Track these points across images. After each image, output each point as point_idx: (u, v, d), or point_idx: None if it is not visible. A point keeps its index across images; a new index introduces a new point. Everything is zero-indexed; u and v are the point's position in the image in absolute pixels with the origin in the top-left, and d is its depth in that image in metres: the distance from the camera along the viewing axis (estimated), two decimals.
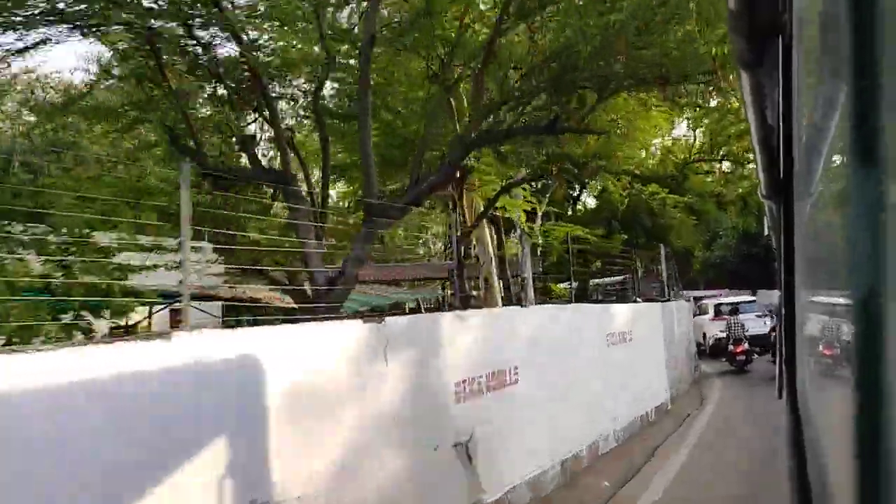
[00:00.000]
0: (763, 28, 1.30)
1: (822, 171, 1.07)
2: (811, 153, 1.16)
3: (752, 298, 21.81)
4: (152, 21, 8.27)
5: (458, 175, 14.16)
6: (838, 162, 0.82)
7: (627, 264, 21.17)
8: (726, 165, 31.22)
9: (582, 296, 24.10)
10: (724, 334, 17.14)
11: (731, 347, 16.35)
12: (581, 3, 10.04)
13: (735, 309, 17.54)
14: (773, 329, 15.90)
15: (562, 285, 27.79)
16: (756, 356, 16.60)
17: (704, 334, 19.84)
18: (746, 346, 16.17)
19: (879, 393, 0.53)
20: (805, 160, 1.31)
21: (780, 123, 1.63)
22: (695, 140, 30.10)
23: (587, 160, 14.97)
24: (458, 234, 14.11)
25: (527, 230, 16.93)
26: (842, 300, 0.77)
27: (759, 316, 18.77)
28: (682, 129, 32.91)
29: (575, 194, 29.52)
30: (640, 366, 10.89)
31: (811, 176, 1.22)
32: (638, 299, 15.70)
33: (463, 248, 14.61)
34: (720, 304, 20.42)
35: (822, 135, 0.97)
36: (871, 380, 0.54)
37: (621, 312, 10.66)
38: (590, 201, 32.97)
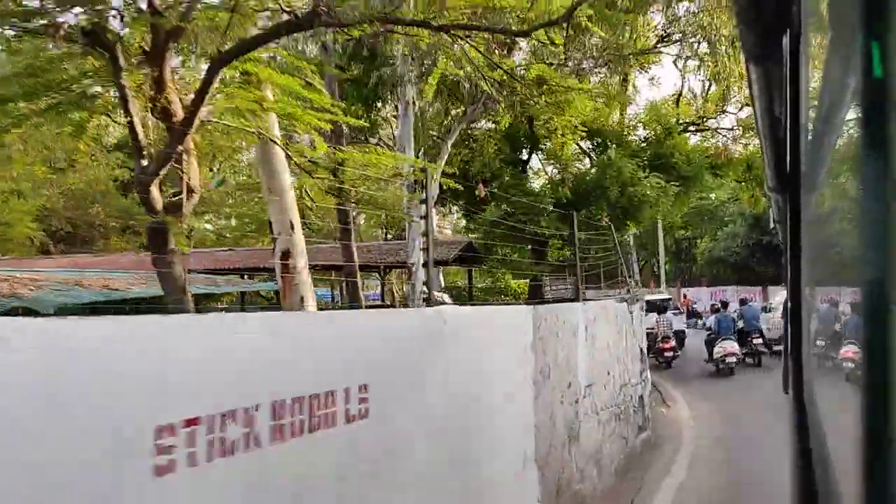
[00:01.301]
0: (771, 21, 1.30)
1: (829, 164, 1.06)
2: (819, 147, 1.16)
3: (669, 297, 23.36)
4: None
5: None
6: (846, 155, 0.81)
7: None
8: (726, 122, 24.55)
9: (536, 294, 20.09)
10: (650, 331, 18.00)
11: (659, 344, 16.84)
12: None
13: (663, 308, 18.23)
14: (707, 328, 16.53)
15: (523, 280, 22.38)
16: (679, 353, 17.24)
17: None
18: (673, 342, 16.61)
19: (888, 388, 0.53)
20: (812, 154, 1.31)
21: (788, 117, 1.63)
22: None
23: None
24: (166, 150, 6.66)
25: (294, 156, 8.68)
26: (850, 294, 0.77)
27: (675, 314, 19.70)
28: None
29: (524, 158, 21.63)
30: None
31: (819, 169, 1.22)
32: (444, 299, 10.60)
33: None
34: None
35: (830, 128, 0.97)
36: (880, 375, 0.54)
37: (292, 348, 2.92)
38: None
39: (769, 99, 1.65)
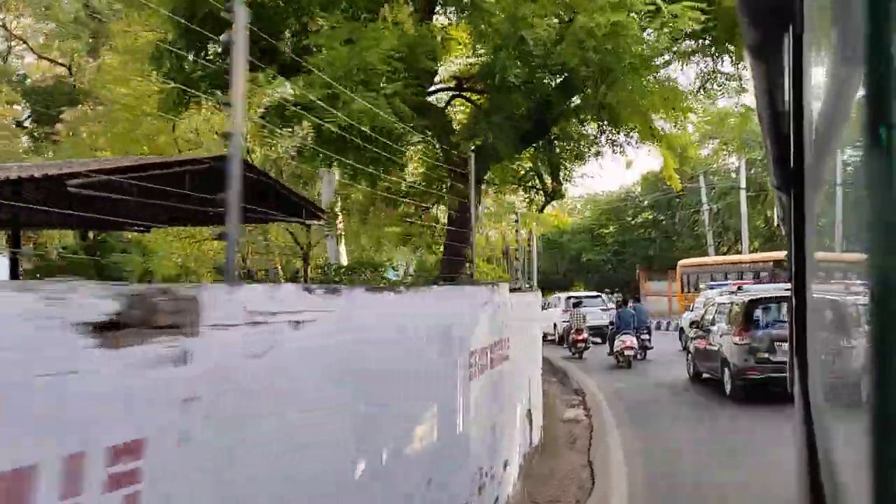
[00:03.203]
0: (774, 16, 1.29)
1: (834, 161, 1.06)
2: (823, 143, 1.15)
3: (597, 294, 25.50)
4: None
5: None
6: (851, 152, 0.81)
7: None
8: None
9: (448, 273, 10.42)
10: (567, 324, 19.97)
11: (572, 336, 18.59)
12: None
13: (578, 302, 20.49)
14: (611, 323, 18.11)
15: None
16: (593, 344, 18.92)
17: (555, 325, 22.94)
18: (585, 334, 18.39)
19: (894, 386, 0.52)
20: (817, 150, 1.30)
21: (792, 113, 1.62)
22: None
23: None
24: None
25: None
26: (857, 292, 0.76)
27: (603, 310, 21.67)
28: None
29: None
30: None
31: (823, 166, 1.21)
32: None
33: None
34: (570, 297, 24.02)
35: (834, 124, 0.96)
36: (889, 373, 0.53)
37: None
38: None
39: (773, 95, 1.64)
